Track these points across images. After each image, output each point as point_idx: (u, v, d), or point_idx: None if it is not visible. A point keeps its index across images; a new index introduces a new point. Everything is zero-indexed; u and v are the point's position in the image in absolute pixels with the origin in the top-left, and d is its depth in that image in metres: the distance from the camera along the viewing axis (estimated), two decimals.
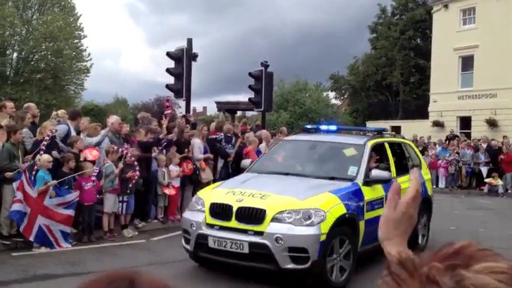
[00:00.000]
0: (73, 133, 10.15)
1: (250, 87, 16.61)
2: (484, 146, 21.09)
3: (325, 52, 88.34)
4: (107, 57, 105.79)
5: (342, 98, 50.83)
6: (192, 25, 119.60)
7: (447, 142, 23.28)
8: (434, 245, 9.70)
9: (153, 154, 10.86)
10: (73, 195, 8.99)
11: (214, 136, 12.84)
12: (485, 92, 28.62)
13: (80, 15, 41.05)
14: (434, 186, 20.87)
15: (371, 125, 34.99)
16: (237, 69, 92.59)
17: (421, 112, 33.91)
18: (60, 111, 11.61)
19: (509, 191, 19.49)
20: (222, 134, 12.79)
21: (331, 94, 47.62)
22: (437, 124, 30.47)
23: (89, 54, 41.21)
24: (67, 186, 9.10)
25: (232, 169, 12.84)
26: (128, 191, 9.94)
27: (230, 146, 12.81)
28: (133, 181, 9.94)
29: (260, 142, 13.97)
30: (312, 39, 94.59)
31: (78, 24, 40.77)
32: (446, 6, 31.40)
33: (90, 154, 9.71)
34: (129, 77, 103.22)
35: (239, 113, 32.93)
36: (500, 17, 27.53)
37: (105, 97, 73.45)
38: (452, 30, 30.41)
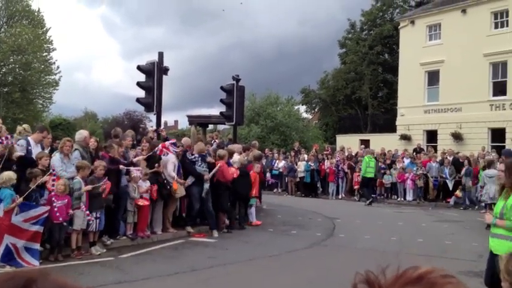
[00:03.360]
0: (35, 148, 9.97)
1: (221, 101, 16.70)
2: (450, 159, 21.56)
3: (301, 66, 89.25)
4: (79, 70, 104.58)
5: (313, 111, 51.39)
6: (167, 38, 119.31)
7: (415, 155, 23.70)
8: (403, 258, 9.88)
9: (121, 167, 10.76)
10: (40, 210, 8.85)
11: (190, 157, 12.74)
12: (451, 106, 29.33)
13: (49, 28, 40.63)
14: (401, 199, 21.36)
15: (341, 138, 35.50)
16: (211, 82, 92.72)
17: (389, 126, 34.50)
18: (26, 126, 11.49)
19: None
20: (197, 154, 12.71)
21: (302, 108, 48.11)
22: (405, 137, 31.03)
23: (58, 67, 40.74)
24: (34, 203, 8.96)
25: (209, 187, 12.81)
26: (104, 204, 9.91)
27: (204, 164, 12.71)
28: (105, 193, 9.84)
29: (231, 155, 14.03)
30: (288, 54, 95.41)
31: (47, 37, 40.29)
32: (412, 22, 32.18)
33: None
34: (102, 90, 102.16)
35: (211, 126, 32.94)
36: (465, 32, 28.34)
37: (75, 111, 72.55)
38: (418, 46, 31.15)
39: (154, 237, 11.51)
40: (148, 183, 11.16)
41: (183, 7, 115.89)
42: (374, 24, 43.85)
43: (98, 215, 9.85)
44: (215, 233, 12.35)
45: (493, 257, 5.67)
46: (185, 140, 14.01)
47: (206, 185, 12.52)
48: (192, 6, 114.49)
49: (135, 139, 13.19)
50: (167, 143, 12.04)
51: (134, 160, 11.24)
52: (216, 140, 17.38)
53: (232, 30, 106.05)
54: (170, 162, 11.94)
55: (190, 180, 12.51)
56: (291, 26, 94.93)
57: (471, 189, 19.85)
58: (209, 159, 12.88)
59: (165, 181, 11.76)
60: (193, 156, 12.68)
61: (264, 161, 23.11)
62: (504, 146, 24.91)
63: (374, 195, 21.25)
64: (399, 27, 34.07)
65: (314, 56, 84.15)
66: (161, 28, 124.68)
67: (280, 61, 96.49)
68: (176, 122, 67.88)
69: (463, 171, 20.21)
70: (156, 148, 11.67)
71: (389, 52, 43.47)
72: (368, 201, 20.34)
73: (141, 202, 10.95)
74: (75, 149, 10.43)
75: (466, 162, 20.53)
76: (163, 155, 11.71)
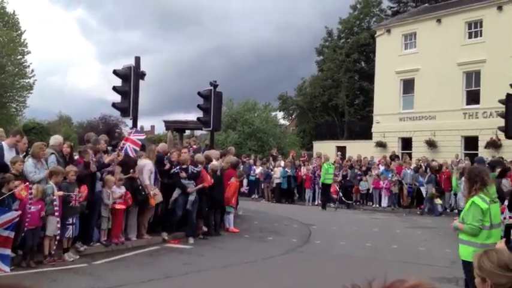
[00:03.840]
0: (9, 152, 9.79)
1: (199, 106, 16.66)
2: (424, 165, 21.85)
3: (279, 73, 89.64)
4: (54, 73, 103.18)
5: (290, 118, 51.63)
6: (145, 42, 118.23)
7: (390, 162, 23.92)
8: (377, 264, 9.96)
9: (92, 167, 10.59)
10: (11, 214, 8.66)
11: (172, 171, 12.59)
12: (425, 114, 29.79)
13: (24, 31, 40.00)
14: (377, 205, 21.59)
15: (318, 145, 35.71)
16: (189, 87, 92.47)
17: (365, 133, 34.85)
18: None
19: (448, 210, 20.21)
20: (178, 167, 12.55)
21: (280, 114, 48.31)
22: (380, 144, 31.38)
23: (32, 71, 40.09)
24: (7, 208, 8.79)
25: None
26: (79, 210, 9.77)
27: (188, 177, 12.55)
28: (75, 200, 9.67)
29: (209, 161, 13.98)
30: (266, 60, 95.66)
31: (22, 40, 39.67)
32: (389, 31, 32.65)
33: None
34: (77, 94, 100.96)
35: (188, 132, 32.83)
36: (439, 41, 28.89)
37: (49, 115, 71.32)
38: (394, 54, 31.60)
39: (129, 243, 11.38)
40: (122, 189, 11.03)
41: (161, 11, 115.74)
42: (351, 33, 44.34)
43: (74, 221, 9.71)
44: (191, 240, 12.27)
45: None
46: (162, 146, 13.89)
47: (192, 197, 12.40)
48: (170, 10, 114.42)
49: (110, 144, 13.03)
50: (130, 134, 11.82)
51: (106, 162, 11.08)
52: (194, 146, 17.31)
53: (211, 36, 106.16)
54: (146, 169, 11.77)
55: (176, 193, 12.38)
56: (270, 33, 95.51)
57: (432, 195, 20.18)
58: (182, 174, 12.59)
59: (140, 187, 11.64)
60: (176, 169, 12.42)
61: (241, 167, 23.08)
62: (477, 154, 25.35)
63: (340, 200, 21.84)
64: (375, 35, 34.52)
65: (292, 63, 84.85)
66: (139, 32, 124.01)
67: (259, 67, 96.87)
68: (153, 127, 67.37)
69: (425, 179, 20.53)
70: (120, 145, 11.47)
71: (365, 60, 44.00)
72: (335, 206, 21.13)
73: (118, 206, 10.82)
74: (52, 153, 10.29)
75: (428, 169, 20.88)
76: (124, 150, 11.46)
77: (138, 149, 11.71)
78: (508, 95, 15.91)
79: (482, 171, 6.01)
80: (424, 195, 20.75)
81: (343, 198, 21.92)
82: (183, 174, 12.30)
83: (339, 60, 42.69)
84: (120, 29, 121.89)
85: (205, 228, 13.33)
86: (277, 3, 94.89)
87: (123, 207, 10.99)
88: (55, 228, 9.37)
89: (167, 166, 12.63)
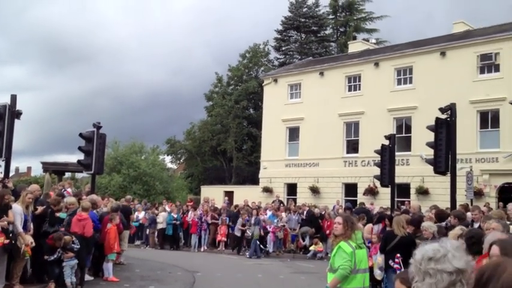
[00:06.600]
0: None
1: (80, 148, 15.88)
2: (305, 211, 22.44)
3: (172, 116, 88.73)
4: None
5: (178, 162, 51.19)
6: (30, 78, 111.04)
7: (278, 208, 24.30)
8: None
9: None
10: None
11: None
12: (309, 161, 31.01)
13: None
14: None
15: (205, 189, 35.56)
16: (76, 127, 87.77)
17: (253, 178, 35.43)
18: None
19: (329, 255, 20.76)
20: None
21: (168, 158, 47.73)
22: (267, 190, 31.98)
23: None
24: None
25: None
26: None
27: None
28: None
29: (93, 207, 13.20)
30: (159, 103, 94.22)
31: None
32: (276, 80, 33.97)
33: None
34: None
35: (68, 174, 31.13)
36: (322, 93, 30.53)
37: None
38: (281, 103, 32.82)
39: None
40: None
41: (50, 47, 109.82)
42: (240, 80, 45.58)
43: None
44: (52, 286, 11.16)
45: None
46: (32, 187, 12.86)
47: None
48: (60, 47, 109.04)
49: None
50: None
51: None
52: (68, 189, 16.31)
53: (103, 75, 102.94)
54: (16, 215, 10.78)
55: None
56: (164, 75, 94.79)
57: (257, 237, 20.30)
58: None
59: (11, 234, 10.62)
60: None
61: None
62: (356, 201, 26.73)
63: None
64: (263, 84, 35.75)
65: (185, 106, 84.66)
66: (23, 68, 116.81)
67: (151, 110, 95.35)
68: (29, 168, 63.39)
69: (252, 220, 20.91)
70: None
71: (254, 107, 45.30)
72: None
73: None
74: None
75: (254, 211, 21.37)
76: None
77: None
78: (383, 145, 17.04)
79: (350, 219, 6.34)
80: (308, 241, 21.20)
81: (261, 246, 21.06)
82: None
83: (228, 106, 43.48)
84: (2, 63, 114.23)
85: (90, 277, 12.44)
86: (172, 46, 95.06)
87: None
88: None
89: (39, 210, 11.70)
